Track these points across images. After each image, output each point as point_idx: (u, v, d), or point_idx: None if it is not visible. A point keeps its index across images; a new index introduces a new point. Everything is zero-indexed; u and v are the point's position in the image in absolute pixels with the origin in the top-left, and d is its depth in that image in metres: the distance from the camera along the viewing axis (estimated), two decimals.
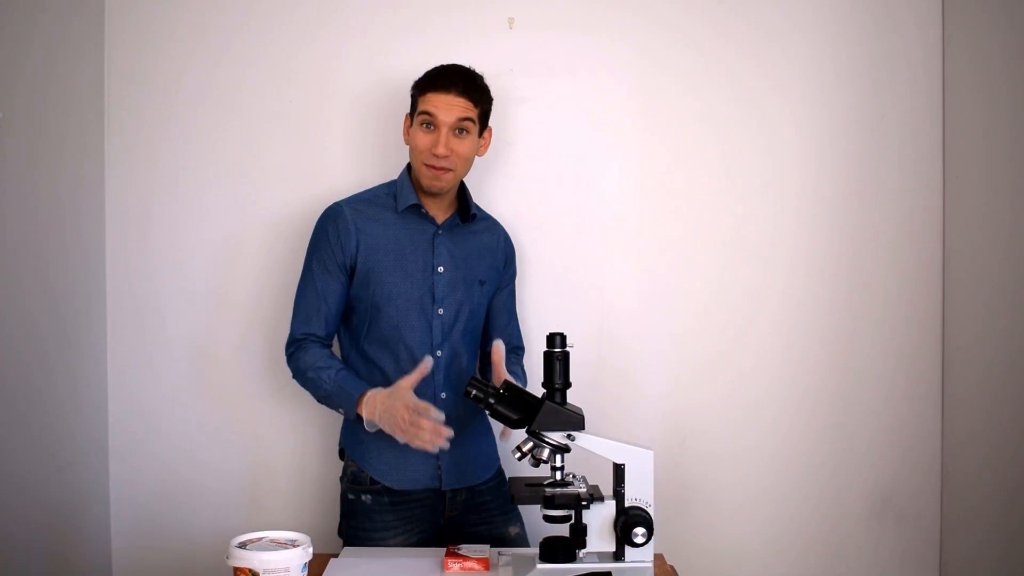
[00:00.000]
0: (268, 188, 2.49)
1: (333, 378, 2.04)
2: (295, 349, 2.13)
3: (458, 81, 2.07)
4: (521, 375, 2.24)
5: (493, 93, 2.18)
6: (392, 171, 2.28)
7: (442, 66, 2.11)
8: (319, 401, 2.11)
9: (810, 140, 2.52)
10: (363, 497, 2.13)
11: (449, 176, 2.10)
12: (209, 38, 2.47)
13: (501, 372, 2.01)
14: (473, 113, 2.08)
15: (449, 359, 2.14)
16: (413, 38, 2.39)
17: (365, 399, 1.98)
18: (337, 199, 2.19)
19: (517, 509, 2.24)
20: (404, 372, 2.00)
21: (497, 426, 2.09)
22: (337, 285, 2.12)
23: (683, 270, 2.53)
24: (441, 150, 2.05)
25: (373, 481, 2.12)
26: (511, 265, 2.33)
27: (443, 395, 2.12)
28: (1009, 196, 2.26)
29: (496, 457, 2.28)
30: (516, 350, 2.34)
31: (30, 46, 2.11)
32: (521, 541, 2.21)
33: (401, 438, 1.90)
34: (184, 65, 2.47)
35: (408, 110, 2.17)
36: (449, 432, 1.87)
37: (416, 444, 1.89)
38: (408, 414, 1.88)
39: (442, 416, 1.88)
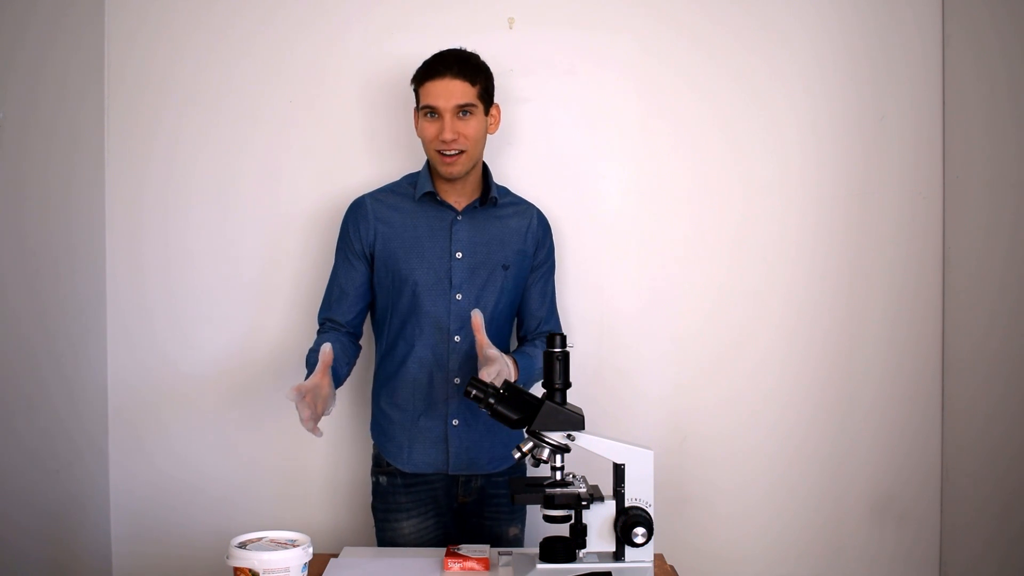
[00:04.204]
0: (269, 189, 2.49)
1: (308, 359, 2.09)
2: (317, 334, 2.19)
3: (452, 65, 2.08)
4: (532, 358, 2.15)
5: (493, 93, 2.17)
6: (406, 165, 2.34)
7: (436, 54, 2.13)
8: None
9: (811, 139, 2.52)
10: (380, 479, 2.20)
11: (463, 158, 2.11)
12: (226, 33, 2.47)
13: (482, 339, 1.96)
14: (472, 92, 2.09)
15: (472, 345, 2.11)
16: (413, 38, 2.39)
17: None
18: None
19: (524, 509, 2.25)
20: (421, 358, 2.13)
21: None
22: (356, 274, 2.18)
23: (684, 270, 2.53)
24: (447, 135, 2.07)
25: (388, 463, 2.19)
26: (543, 248, 2.27)
27: (456, 381, 2.13)
28: (1009, 196, 2.25)
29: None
30: (542, 337, 2.23)
31: (28, 42, 2.11)
32: (516, 542, 2.22)
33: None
34: (185, 61, 2.47)
35: (415, 105, 2.18)
36: (316, 431, 1.83)
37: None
38: (299, 391, 1.84)
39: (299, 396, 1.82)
